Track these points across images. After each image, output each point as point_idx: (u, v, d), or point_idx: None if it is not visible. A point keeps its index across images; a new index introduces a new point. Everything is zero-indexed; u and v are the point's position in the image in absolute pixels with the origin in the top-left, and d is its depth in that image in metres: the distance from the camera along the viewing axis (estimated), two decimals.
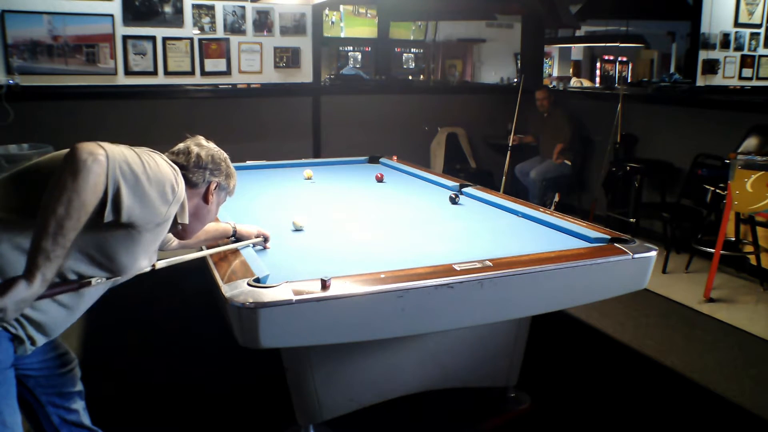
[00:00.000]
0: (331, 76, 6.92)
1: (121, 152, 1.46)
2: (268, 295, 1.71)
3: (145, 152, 1.58)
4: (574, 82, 9.37)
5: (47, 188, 1.38)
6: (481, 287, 1.92)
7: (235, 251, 2.13)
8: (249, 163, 4.12)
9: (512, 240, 2.46)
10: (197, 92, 5.39)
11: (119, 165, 1.43)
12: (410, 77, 9.42)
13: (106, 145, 1.44)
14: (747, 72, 7.25)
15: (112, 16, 5.01)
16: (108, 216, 1.44)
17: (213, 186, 1.84)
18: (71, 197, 1.35)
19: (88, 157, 1.37)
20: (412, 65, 9.79)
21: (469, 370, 2.49)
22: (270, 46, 5.60)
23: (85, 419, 1.92)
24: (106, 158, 1.40)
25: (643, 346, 3.25)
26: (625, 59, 12.16)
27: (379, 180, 3.59)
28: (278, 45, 5.63)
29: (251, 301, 1.69)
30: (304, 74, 5.77)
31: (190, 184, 1.77)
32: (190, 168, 1.80)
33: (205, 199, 1.84)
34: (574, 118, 5.86)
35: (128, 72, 5.12)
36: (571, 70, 12.23)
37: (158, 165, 1.57)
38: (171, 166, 1.66)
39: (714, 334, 3.44)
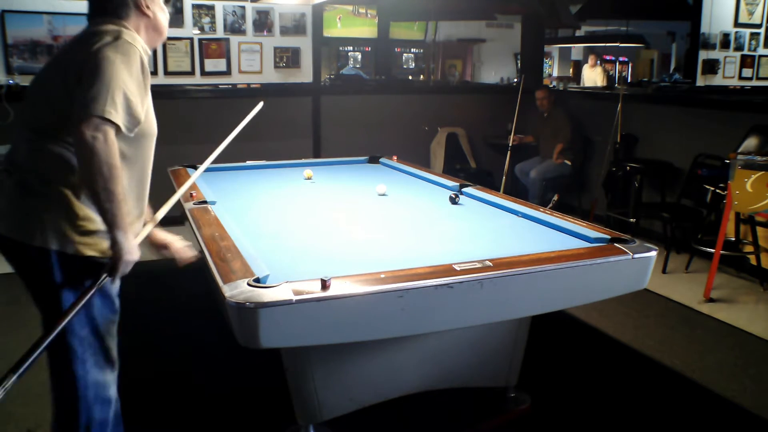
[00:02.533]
0: (331, 76, 6.93)
1: (112, 101, 1.56)
2: (268, 295, 1.71)
3: (120, 63, 1.61)
4: (587, 75, 9.42)
5: (79, 169, 1.61)
6: (481, 287, 1.92)
7: (234, 249, 2.13)
8: (249, 163, 4.11)
9: (512, 240, 2.46)
10: (197, 92, 5.39)
11: (115, 113, 1.56)
12: (410, 77, 9.43)
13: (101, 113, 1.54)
14: (747, 72, 7.26)
15: None
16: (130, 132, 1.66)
17: (142, 3, 1.80)
18: (101, 170, 1.53)
19: (92, 142, 1.52)
20: (412, 65, 9.79)
21: (469, 370, 2.49)
22: (270, 46, 5.60)
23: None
24: (104, 135, 1.54)
25: (643, 346, 3.25)
26: (625, 59, 12.17)
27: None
28: (278, 45, 5.63)
29: (251, 301, 1.69)
30: (304, 74, 5.78)
31: (127, 18, 1.76)
32: (116, 9, 1.76)
33: (144, 14, 1.81)
34: (575, 118, 5.87)
35: None
36: (571, 70, 12.24)
37: (130, 62, 1.63)
38: (130, 41, 1.66)
39: (714, 334, 3.45)
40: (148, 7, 1.81)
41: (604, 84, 8.77)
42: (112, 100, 1.55)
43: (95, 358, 1.78)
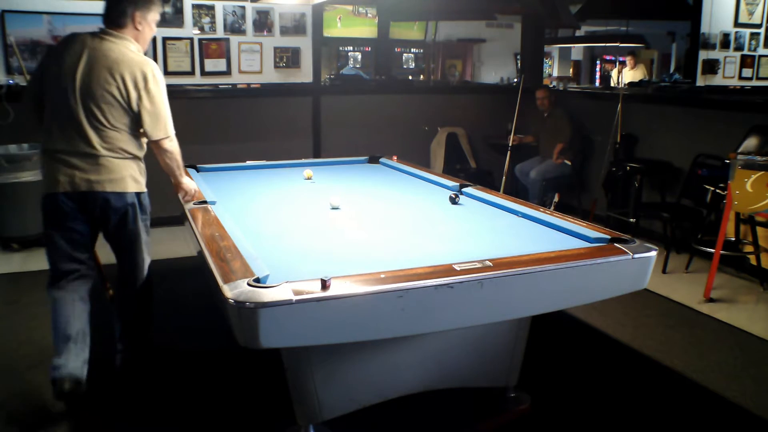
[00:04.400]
0: (331, 76, 6.92)
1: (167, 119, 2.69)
2: (268, 295, 1.71)
3: (160, 82, 2.67)
4: (627, 78, 8.70)
5: (163, 160, 2.74)
6: (481, 287, 1.92)
7: (234, 249, 2.13)
8: (249, 163, 4.12)
9: (512, 240, 2.46)
10: (197, 92, 5.39)
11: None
12: (410, 77, 9.43)
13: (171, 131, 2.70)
14: (747, 72, 7.26)
15: None
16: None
17: (136, 17, 2.60)
18: (177, 159, 2.77)
19: (171, 147, 2.71)
20: (412, 65, 9.79)
21: (469, 370, 2.49)
22: (270, 46, 5.60)
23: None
24: (174, 141, 2.72)
25: (643, 346, 3.25)
26: (624, 59, 12.17)
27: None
28: (278, 45, 5.63)
29: (251, 301, 1.69)
30: (304, 74, 5.78)
31: (121, 26, 2.59)
32: (112, 16, 2.59)
33: (136, 28, 2.62)
34: (575, 118, 5.87)
35: None
36: (570, 70, 12.25)
37: (161, 84, 2.64)
38: (158, 72, 2.64)
39: (714, 334, 3.45)
40: (138, 22, 2.63)
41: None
42: (169, 120, 2.67)
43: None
